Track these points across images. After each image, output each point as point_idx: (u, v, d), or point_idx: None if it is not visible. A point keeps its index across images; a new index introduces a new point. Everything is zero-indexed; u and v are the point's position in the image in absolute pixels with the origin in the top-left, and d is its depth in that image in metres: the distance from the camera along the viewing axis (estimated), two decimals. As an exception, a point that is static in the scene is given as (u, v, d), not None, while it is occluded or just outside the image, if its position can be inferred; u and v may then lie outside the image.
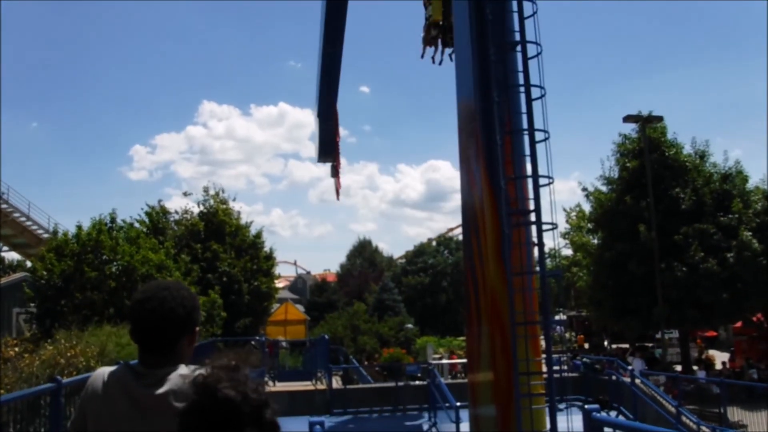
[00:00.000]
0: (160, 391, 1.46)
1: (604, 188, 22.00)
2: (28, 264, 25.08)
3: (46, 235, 24.85)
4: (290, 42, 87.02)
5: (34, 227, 26.73)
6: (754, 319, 21.34)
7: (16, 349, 10.36)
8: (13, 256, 31.74)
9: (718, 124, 71.04)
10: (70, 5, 75.56)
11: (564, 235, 27.02)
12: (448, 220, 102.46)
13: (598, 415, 3.17)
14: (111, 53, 76.78)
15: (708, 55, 76.03)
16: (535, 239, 6.22)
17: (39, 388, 5.19)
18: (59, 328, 12.24)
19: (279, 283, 28.90)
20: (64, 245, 16.34)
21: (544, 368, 6.23)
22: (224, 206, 24.05)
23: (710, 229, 18.81)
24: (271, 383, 14.91)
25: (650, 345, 25.49)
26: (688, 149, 21.02)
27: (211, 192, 24.33)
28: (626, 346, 27.15)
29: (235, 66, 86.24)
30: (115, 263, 16.00)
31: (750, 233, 18.22)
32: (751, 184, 20.38)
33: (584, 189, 22.92)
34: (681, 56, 75.02)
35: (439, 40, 12.98)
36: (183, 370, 1.52)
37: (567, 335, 30.53)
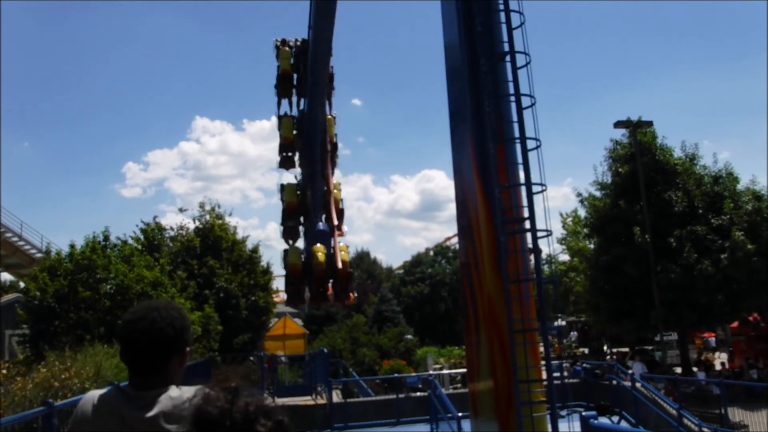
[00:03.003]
0: (150, 413, 1.44)
1: (597, 193, 22.15)
2: (21, 285, 24.86)
3: (39, 255, 24.66)
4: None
5: (27, 247, 26.52)
6: (751, 318, 21.39)
7: (5, 372, 10.17)
8: (5, 276, 31.43)
9: (705, 127, 71.89)
10: (61, 22, 75.90)
11: (560, 241, 27.12)
12: (443, 229, 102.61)
13: (596, 421, 3.15)
14: (102, 70, 76.97)
15: (693, 60, 77.19)
16: (530, 246, 6.23)
17: (31, 412, 5.11)
18: (52, 350, 12.07)
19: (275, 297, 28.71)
20: (57, 264, 16.20)
21: (545, 375, 6.21)
22: (220, 222, 23.97)
23: (703, 231, 18.93)
24: (270, 399, 14.74)
25: (650, 348, 25.48)
26: (678, 153, 21.24)
27: (207, 207, 24.29)
28: (626, 349, 27.12)
29: (227, 81, 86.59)
30: (108, 282, 15.86)
31: (742, 234, 18.34)
32: (741, 186, 20.56)
33: (578, 194, 23.09)
34: (667, 62, 76.15)
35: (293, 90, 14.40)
36: (173, 391, 1.50)
37: (565, 341, 30.45)
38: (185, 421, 1.41)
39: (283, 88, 14.20)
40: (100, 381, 9.18)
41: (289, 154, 13.90)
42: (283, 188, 13.60)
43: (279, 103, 14.30)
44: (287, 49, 14.24)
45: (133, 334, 1.54)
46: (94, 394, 1.56)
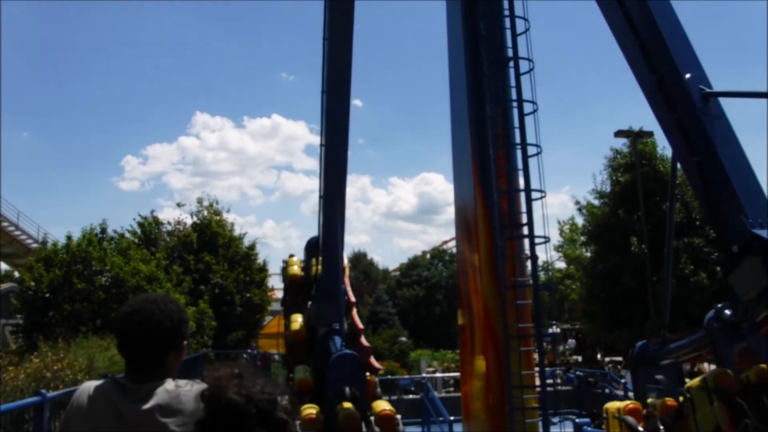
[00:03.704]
0: (147, 406, 1.44)
1: (596, 202, 22.21)
2: (16, 274, 24.78)
3: (35, 245, 24.58)
4: (282, 54, 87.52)
5: (23, 237, 26.44)
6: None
7: (-1, 361, 10.12)
8: (0, 266, 31.30)
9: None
10: (61, 14, 75.68)
11: (557, 248, 27.16)
12: (440, 232, 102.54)
13: (589, 428, 3.16)
14: (103, 63, 76.72)
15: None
16: (527, 252, 6.24)
17: (23, 402, 5.09)
18: (45, 340, 12.03)
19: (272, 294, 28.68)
20: (53, 255, 16.15)
21: (538, 381, 6.21)
22: (218, 218, 23.95)
23: (699, 243, 18.99)
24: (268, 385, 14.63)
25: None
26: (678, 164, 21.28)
27: (205, 203, 24.26)
28: (620, 358, 27.14)
29: (228, 78, 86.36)
30: (104, 275, 15.82)
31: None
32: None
33: (577, 203, 23.15)
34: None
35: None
36: (169, 384, 1.50)
37: (560, 348, 30.48)
38: (181, 414, 1.42)
39: (293, 303, 11.71)
40: (93, 373, 9.15)
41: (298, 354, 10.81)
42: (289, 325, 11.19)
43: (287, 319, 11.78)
44: (295, 258, 12.20)
45: (131, 326, 1.53)
46: (90, 385, 1.56)
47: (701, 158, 5.89)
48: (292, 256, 12.99)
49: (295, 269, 11.85)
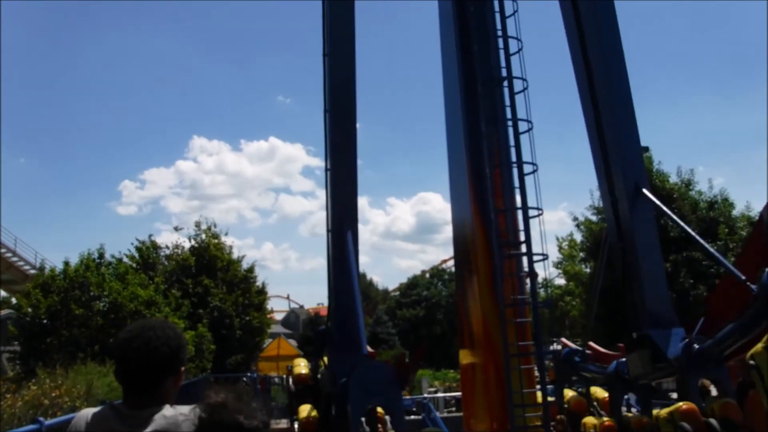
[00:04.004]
0: None
1: (594, 218, 22.29)
2: (14, 301, 24.61)
3: (32, 271, 24.49)
4: (278, 77, 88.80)
5: (21, 263, 26.34)
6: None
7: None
8: (-2, 293, 31.05)
9: (700, 153, 72.73)
10: (58, 39, 76.89)
11: (556, 265, 27.12)
12: (439, 252, 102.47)
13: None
14: (100, 88, 77.69)
15: (688, 87, 78.58)
16: (526, 270, 6.25)
17: (20, 430, 5.02)
18: (43, 367, 11.91)
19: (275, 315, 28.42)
20: (50, 281, 16.11)
21: (540, 399, 6.16)
22: (216, 241, 23.95)
23: (698, 257, 19.01)
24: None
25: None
26: (674, 178, 21.48)
27: (203, 227, 24.29)
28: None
29: (225, 101, 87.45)
30: (102, 300, 15.75)
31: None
32: (736, 212, 20.75)
33: (575, 219, 23.23)
34: (663, 88, 77.47)
35: None
36: (167, 410, 1.50)
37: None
38: None
39: (300, 400, 9.71)
40: (91, 399, 9.04)
41: None
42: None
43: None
44: (303, 365, 10.60)
45: (128, 352, 1.54)
46: (88, 412, 1.56)
47: (624, 246, 6.36)
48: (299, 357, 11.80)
49: (303, 371, 10.17)
